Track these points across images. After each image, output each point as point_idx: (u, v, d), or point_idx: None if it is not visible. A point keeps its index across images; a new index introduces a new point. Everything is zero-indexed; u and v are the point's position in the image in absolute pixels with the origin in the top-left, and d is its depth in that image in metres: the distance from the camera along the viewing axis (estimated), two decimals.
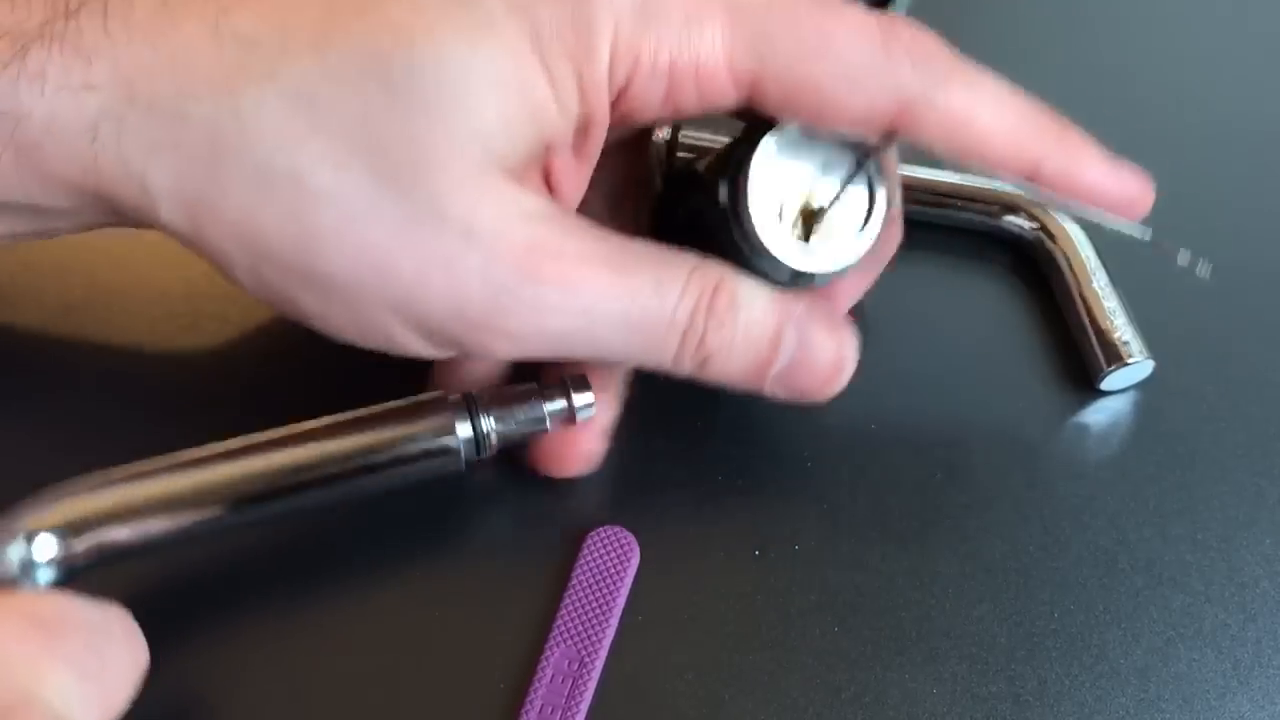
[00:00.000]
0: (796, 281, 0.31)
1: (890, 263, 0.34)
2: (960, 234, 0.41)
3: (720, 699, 0.31)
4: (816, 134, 0.29)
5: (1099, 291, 0.38)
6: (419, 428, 0.30)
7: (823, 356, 0.31)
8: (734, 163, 0.29)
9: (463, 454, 0.30)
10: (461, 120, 0.25)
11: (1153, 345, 0.36)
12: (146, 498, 0.28)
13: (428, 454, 0.30)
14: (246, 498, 0.29)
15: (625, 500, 0.34)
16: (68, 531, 0.27)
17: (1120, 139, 0.45)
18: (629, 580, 0.32)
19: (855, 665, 0.31)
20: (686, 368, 0.29)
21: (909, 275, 0.37)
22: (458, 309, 0.26)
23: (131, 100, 0.25)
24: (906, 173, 0.40)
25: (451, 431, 0.30)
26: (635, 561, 0.32)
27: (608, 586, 0.31)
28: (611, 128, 0.28)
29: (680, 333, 0.28)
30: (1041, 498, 0.35)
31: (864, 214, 0.30)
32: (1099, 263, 0.38)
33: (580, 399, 0.31)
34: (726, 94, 0.27)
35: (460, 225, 0.26)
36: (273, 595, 0.32)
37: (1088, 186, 0.29)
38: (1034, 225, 0.40)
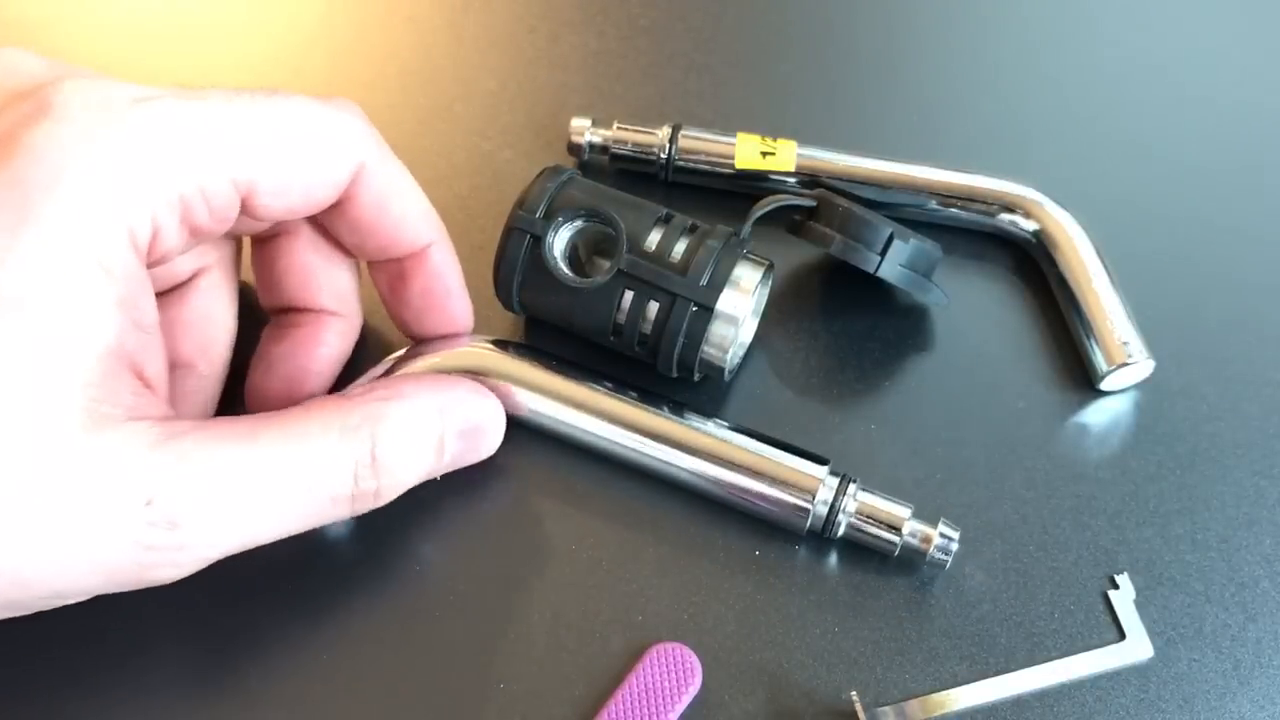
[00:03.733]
0: None
1: None
2: (960, 234, 0.41)
3: (720, 699, 0.31)
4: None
5: (1099, 291, 0.38)
6: (789, 475, 0.33)
7: (484, 438, 0.32)
8: (711, 276, 0.33)
9: (808, 521, 0.33)
10: None
11: (1153, 345, 0.37)
12: (553, 385, 0.34)
13: (781, 502, 0.33)
14: (634, 432, 0.33)
15: (696, 621, 0.32)
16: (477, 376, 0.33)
17: (1123, 139, 0.45)
18: (683, 704, 0.30)
19: (855, 665, 0.31)
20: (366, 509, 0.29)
21: None
22: (115, 581, 0.25)
23: None
24: (908, 172, 0.40)
25: (812, 495, 0.32)
26: (695, 686, 0.31)
27: (658, 704, 0.30)
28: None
29: (347, 502, 0.28)
30: (1041, 498, 0.35)
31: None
32: (1099, 263, 0.38)
33: (941, 543, 0.32)
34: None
35: (67, 541, 0.23)
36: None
37: (450, 284, 0.33)
38: (1034, 225, 0.40)
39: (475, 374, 0.34)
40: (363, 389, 0.30)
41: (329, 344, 0.33)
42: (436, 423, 0.30)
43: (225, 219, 0.27)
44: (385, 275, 0.33)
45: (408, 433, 0.29)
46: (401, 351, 0.34)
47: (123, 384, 0.25)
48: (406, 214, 0.31)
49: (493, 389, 0.33)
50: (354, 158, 0.29)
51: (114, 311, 0.24)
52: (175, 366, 0.31)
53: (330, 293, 0.33)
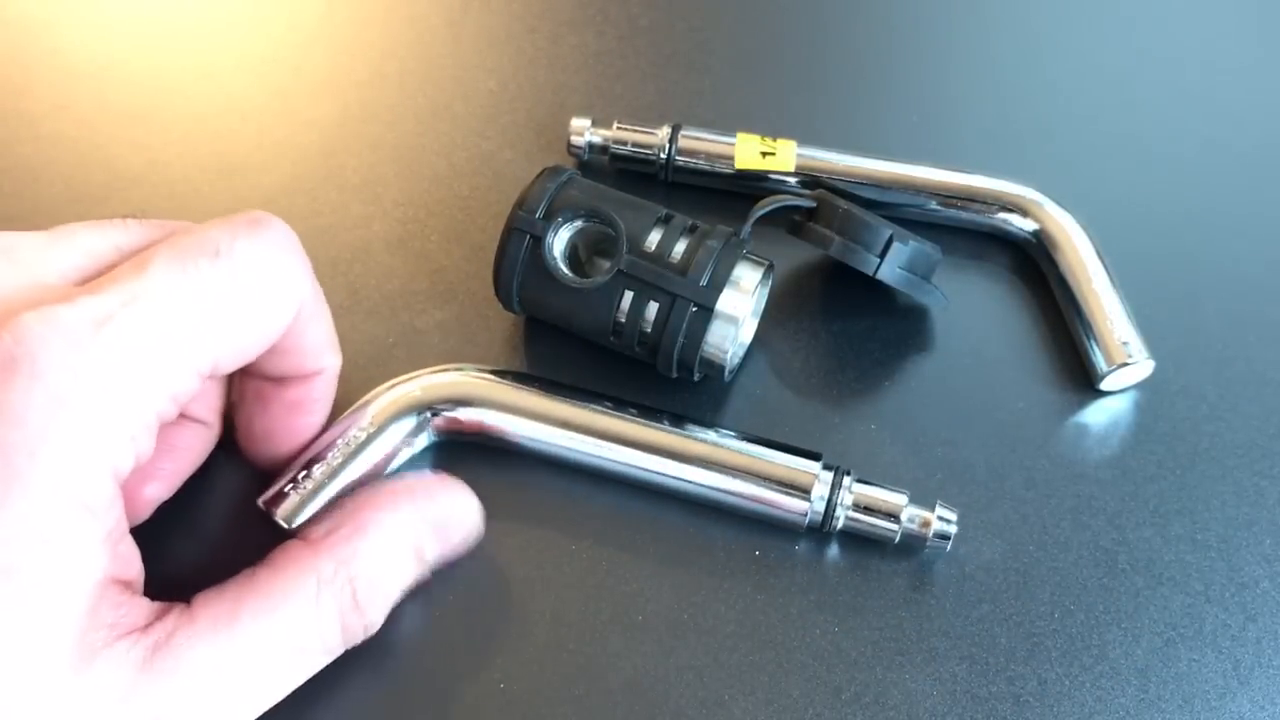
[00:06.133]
0: None
1: None
2: (960, 234, 0.41)
3: (720, 699, 0.31)
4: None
5: (1099, 291, 0.38)
6: (784, 475, 0.33)
7: (463, 532, 0.31)
8: (711, 279, 0.33)
9: (807, 517, 0.33)
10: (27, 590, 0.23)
11: (1153, 345, 0.37)
12: (534, 407, 0.34)
13: (778, 502, 0.33)
14: (615, 442, 0.33)
15: None
16: (457, 405, 0.34)
17: (1123, 139, 0.45)
18: None
19: (855, 665, 0.31)
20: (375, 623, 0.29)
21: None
22: None
23: None
24: (908, 172, 0.40)
25: (808, 492, 0.32)
26: None
27: None
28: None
29: (340, 645, 0.28)
30: (1041, 498, 0.35)
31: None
32: (1099, 263, 0.38)
33: (940, 526, 0.32)
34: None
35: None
36: None
37: (321, 407, 0.33)
38: (1034, 225, 0.40)
39: (460, 402, 0.34)
40: (326, 528, 0.29)
41: (191, 449, 0.32)
42: (409, 541, 0.29)
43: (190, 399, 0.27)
44: (257, 383, 0.32)
45: (383, 564, 0.29)
46: (392, 381, 0.34)
47: (107, 604, 0.25)
48: (320, 340, 0.31)
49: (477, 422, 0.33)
50: (297, 302, 0.28)
51: (99, 548, 0.25)
52: (194, 421, 0.32)
53: (203, 404, 0.32)
